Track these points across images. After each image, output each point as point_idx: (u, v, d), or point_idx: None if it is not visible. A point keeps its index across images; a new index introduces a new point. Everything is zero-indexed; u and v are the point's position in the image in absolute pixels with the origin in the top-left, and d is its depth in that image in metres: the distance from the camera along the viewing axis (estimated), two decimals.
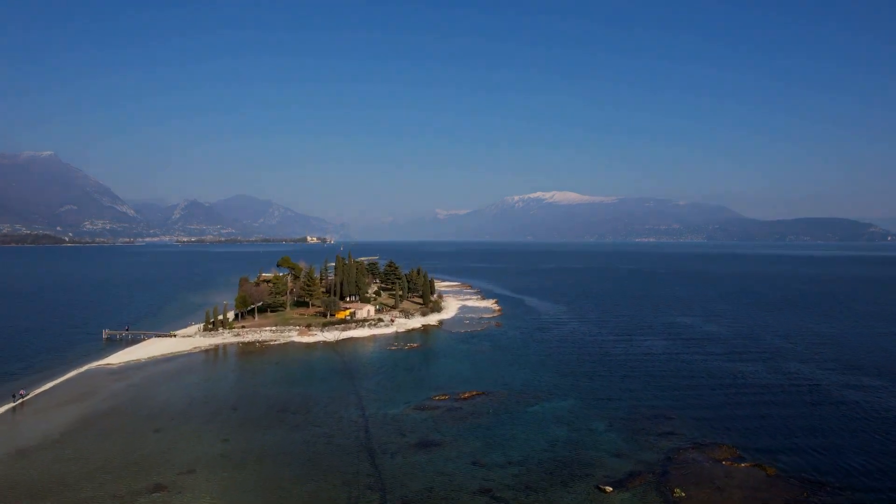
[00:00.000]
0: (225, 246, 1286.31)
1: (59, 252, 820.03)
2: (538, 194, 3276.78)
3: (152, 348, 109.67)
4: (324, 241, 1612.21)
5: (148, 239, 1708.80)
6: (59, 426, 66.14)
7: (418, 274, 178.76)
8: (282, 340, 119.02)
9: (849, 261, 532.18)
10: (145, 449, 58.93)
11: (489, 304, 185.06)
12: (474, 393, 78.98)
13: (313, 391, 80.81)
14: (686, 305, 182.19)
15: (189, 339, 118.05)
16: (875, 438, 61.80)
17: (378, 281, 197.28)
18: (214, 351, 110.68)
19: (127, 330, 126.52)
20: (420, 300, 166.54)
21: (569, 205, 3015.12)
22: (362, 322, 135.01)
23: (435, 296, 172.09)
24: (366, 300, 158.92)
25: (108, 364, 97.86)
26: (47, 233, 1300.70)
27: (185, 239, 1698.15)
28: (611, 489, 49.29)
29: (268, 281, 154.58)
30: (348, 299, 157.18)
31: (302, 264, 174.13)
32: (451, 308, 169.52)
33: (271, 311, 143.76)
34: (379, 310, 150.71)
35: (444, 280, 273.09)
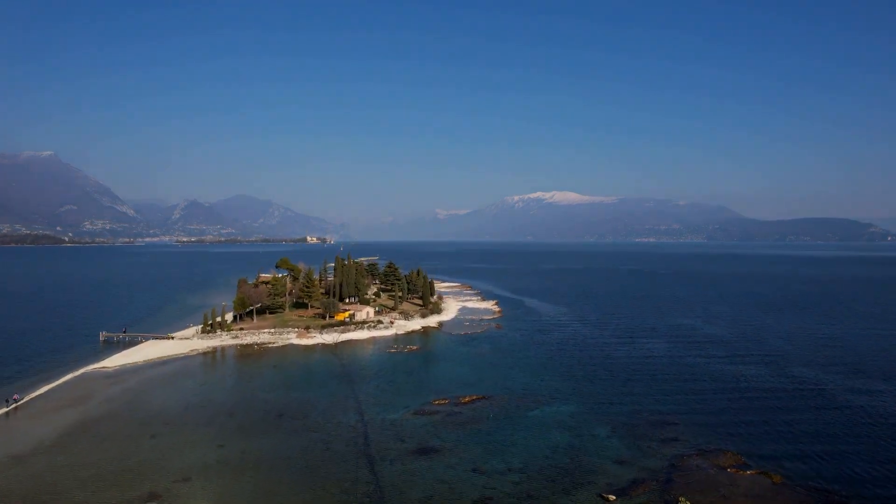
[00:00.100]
0: (225, 246, 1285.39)
1: (59, 252, 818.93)
2: (538, 194, 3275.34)
3: (149, 351, 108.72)
4: (324, 241, 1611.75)
5: (148, 239, 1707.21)
6: (53, 432, 65.18)
7: (418, 275, 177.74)
8: (280, 343, 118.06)
9: (849, 261, 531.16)
10: (140, 455, 57.96)
11: (489, 305, 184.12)
12: (474, 397, 78.04)
13: (312, 395, 79.85)
14: (687, 306, 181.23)
15: (187, 342, 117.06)
16: (882, 445, 60.81)
17: (378, 282, 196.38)
18: (212, 354, 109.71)
19: (124, 332, 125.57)
20: (420, 301, 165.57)
21: (569, 205, 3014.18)
22: (361, 324, 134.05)
23: (435, 297, 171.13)
24: (365, 302, 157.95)
25: (104, 367, 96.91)
26: (47, 233, 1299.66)
27: (184, 239, 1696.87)
28: (614, 497, 48.33)
29: (266, 282, 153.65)
30: (347, 301, 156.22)
31: (301, 265, 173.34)
32: (450, 309, 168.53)
33: (270, 313, 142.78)
34: (378, 311, 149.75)
35: (443, 281, 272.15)
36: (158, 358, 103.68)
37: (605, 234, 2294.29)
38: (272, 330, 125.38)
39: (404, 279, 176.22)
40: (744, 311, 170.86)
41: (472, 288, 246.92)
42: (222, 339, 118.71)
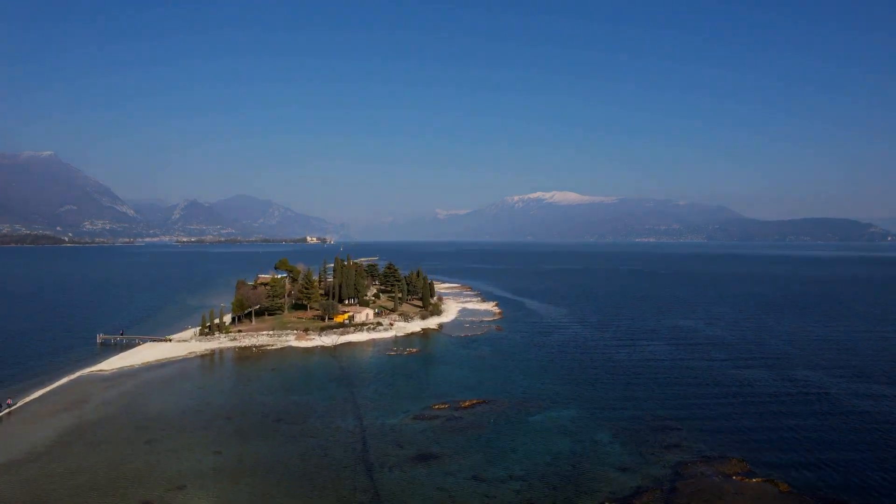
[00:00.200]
0: (225, 246, 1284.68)
1: (59, 252, 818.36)
2: (538, 194, 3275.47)
3: (147, 354, 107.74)
4: (324, 241, 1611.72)
5: (148, 239, 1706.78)
6: (47, 437, 64.18)
7: (418, 276, 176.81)
8: (279, 345, 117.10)
9: (849, 261, 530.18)
10: (135, 462, 56.98)
11: (489, 306, 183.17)
12: (475, 401, 77.05)
13: (310, 399, 78.89)
14: (688, 307, 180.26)
15: (185, 344, 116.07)
16: (891, 452, 59.69)
17: (377, 283, 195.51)
18: (210, 356, 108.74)
19: (122, 334, 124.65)
20: (420, 303, 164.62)
21: (569, 205, 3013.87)
22: (361, 326, 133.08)
23: (435, 298, 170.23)
24: (364, 303, 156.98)
25: (100, 370, 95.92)
26: (47, 233, 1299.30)
27: (184, 239, 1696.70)
28: None
29: (265, 284, 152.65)
30: (347, 302, 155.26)
31: (300, 266, 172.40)
32: (450, 311, 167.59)
33: (269, 315, 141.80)
34: (378, 313, 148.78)
35: (443, 282, 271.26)
36: (156, 361, 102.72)
37: (605, 235, 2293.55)
38: (271, 332, 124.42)
39: (404, 280, 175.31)
40: (744, 311, 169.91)
41: (472, 289, 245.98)
42: (220, 342, 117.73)
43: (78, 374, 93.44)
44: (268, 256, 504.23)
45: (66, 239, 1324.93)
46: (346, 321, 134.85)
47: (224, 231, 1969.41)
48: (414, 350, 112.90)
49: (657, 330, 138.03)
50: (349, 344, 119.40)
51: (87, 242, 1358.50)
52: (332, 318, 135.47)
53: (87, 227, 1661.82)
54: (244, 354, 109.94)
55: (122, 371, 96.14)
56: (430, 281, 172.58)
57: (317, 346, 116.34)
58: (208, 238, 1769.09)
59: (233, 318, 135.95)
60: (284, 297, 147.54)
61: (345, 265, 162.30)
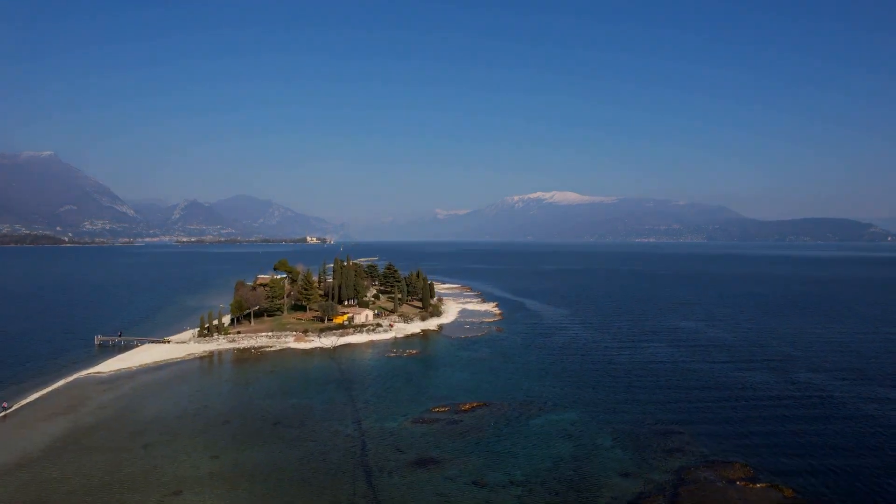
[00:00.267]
0: (224, 246, 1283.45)
1: (59, 252, 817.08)
2: (538, 194, 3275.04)
3: (145, 355, 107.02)
4: (323, 241, 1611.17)
5: (148, 239, 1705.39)
6: (42, 441, 63.46)
7: (418, 277, 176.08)
8: (278, 347, 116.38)
9: (849, 261, 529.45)
10: (132, 467, 56.28)
11: (489, 307, 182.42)
12: (475, 404, 76.36)
13: (309, 402, 78.19)
14: (689, 308, 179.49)
15: (183, 346, 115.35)
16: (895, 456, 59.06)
17: (377, 284, 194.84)
18: (209, 358, 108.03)
19: (120, 336, 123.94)
20: (420, 304, 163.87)
21: (569, 205, 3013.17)
22: (360, 327, 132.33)
23: (434, 299, 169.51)
24: (364, 304, 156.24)
25: (98, 372, 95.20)
26: (47, 233, 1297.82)
27: (184, 239, 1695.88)
28: None
29: (264, 285, 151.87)
30: (346, 303, 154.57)
31: (300, 267, 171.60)
32: (450, 312, 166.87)
33: (268, 316, 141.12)
34: (377, 314, 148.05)
35: (443, 282, 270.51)
36: (154, 363, 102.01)
37: (604, 235, 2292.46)
38: (270, 333, 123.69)
39: (404, 281, 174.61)
40: (745, 312, 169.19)
41: (472, 289, 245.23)
42: (219, 343, 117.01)
43: (75, 376, 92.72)
44: (267, 257, 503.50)
45: (66, 239, 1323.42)
46: (346, 322, 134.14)
47: (224, 231, 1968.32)
48: (414, 352, 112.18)
49: (658, 331, 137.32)
50: (348, 345, 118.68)
51: (87, 242, 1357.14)
52: (332, 320, 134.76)
53: (87, 227, 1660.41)
54: (243, 356, 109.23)
55: (119, 373, 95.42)
56: (429, 281, 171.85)
57: (316, 348, 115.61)
58: (208, 238, 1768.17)
59: (232, 320, 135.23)
60: (283, 298, 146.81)
61: (344, 266, 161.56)
